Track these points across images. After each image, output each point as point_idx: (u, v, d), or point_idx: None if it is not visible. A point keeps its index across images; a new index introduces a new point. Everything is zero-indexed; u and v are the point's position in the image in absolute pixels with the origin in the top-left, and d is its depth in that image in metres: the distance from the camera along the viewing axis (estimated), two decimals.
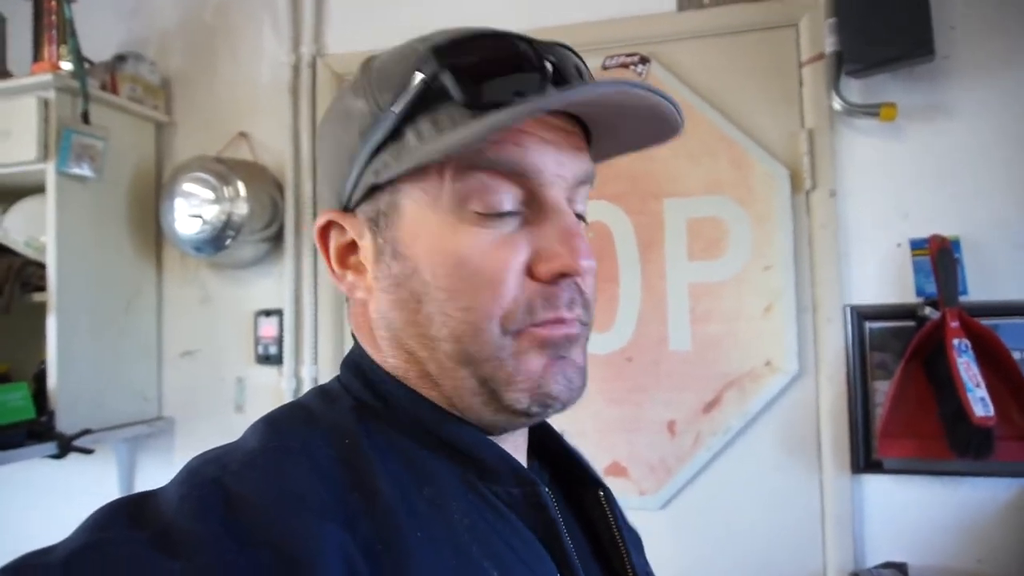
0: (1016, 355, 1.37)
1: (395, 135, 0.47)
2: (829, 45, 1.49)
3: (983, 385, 1.31)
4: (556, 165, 0.48)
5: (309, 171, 1.83)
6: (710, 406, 1.55)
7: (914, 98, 1.48)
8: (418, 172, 0.47)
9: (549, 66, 0.47)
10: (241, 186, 1.72)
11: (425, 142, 0.46)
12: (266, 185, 1.81)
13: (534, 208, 0.48)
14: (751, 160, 1.56)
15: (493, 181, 0.46)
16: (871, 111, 1.46)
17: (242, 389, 1.88)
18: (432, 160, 0.45)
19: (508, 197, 0.47)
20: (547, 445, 0.60)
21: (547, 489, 0.50)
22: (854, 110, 1.48)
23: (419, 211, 0.47)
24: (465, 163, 0.46)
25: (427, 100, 0.46)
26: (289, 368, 1.81)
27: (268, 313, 1.86)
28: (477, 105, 0.45)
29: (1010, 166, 1.43)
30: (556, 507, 0.49)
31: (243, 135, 1.90)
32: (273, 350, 1.84)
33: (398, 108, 0.46)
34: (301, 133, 1.85)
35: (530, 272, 0.47)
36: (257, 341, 1.86)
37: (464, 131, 0.43)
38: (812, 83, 1.53)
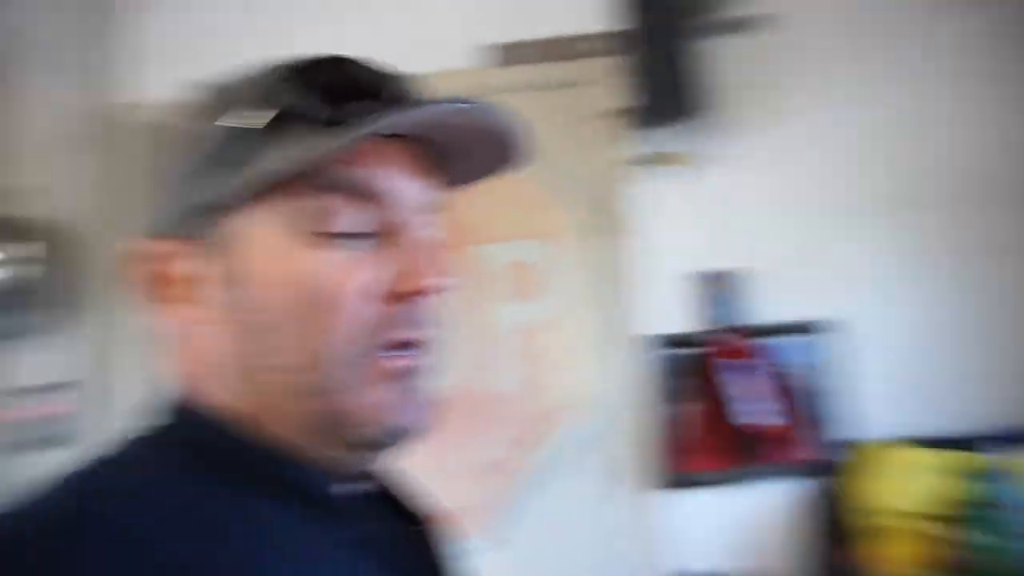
0: (794, 368, 1.58)
1: (236, 158, 0.44)
2: (625, 102, 1.65)
3: (753, 397, 1.53)
4: (405, 188, 0.47)
5: (104, 227, 1.68)
6: (531, 443, 1.61)
7: (700, 148, 1.66)
8: (260, 194, 0.44)
9: (393, 91, 0.47)
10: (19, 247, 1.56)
11: (267, 163, 0.43)
12: (52, 244, 1.64)
13: (383, 230, 0.47)
14: (558, 205, 1.68)
15: (338, 202, 0.45)
16: (663, 159, 1.64)
17: None
18: (271, 179, 0.43)
19: (354, 218, 0.45)
20: (378, 481, 0.58)
21: (378, 523, 0.51)
22: (648, 158, 1.65)
23: (259, 234, 0.45)
24: (310, 185, 0.44)
25: (270, 122, 0.44)
26: None
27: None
28: (323, 124, 0.43)
29: (781, 207, 1.66)
30: (388, 541, 0.50)
31: (22, 190, 1.72)
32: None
33: (238, 129, 0.44)
34: (90, 185, 1.70)
35: (378, 294, 0.45)
36: None
37: (304, 151, 0.42)
38: (611, 135, 1.68)
